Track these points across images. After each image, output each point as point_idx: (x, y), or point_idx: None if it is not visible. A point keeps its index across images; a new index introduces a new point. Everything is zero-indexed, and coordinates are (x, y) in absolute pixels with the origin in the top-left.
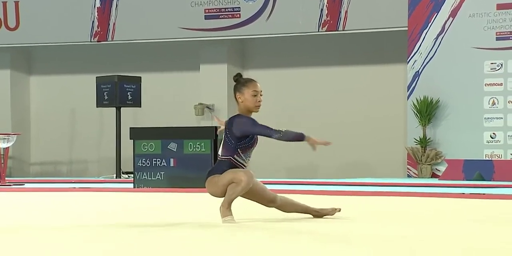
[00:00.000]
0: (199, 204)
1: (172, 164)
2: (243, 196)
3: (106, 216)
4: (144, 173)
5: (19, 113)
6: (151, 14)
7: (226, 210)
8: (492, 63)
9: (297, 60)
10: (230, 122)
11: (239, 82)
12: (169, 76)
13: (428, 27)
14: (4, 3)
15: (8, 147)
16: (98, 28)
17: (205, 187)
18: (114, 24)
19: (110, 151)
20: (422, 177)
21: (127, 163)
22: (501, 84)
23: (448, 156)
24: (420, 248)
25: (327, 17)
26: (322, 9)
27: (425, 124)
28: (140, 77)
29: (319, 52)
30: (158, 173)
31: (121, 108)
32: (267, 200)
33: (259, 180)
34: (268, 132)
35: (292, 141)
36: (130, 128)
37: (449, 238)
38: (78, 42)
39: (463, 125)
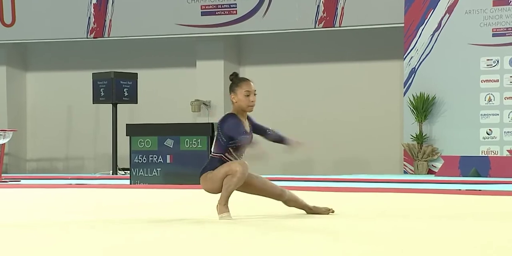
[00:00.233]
0: (196, 200)
1: (168, 161)
2: (248, 191)
3: (102, 212)
4: (141, 170)
5: (15, 109)
6: (148, 10)
7: (223, 206)
8: (488, 60)
9: (294, 56)
10: (222, 121)
11: (233, 82)
12: (165, 73)
13: (424, 24)
14: None
15: (4, 143)
16: (94, 25)
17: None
18: (110, 20)
19: (106, 148)
20: (419, 174)
21: (124, 160)
22: (497, 81)
23: (445, 153)
24: (416, 245)
25: (323, 13)
26: (318, 6)
27: (421, 121)
28: (137, 73)
29: (316, 48)
30: (154, 170)
31: (118, 104)
32: (275, 195)
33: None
34: (241, 140)
35: (247, 146)
36: (127, 124)
37: (445, 234)
38: (74, 38)
39: (459, 122)
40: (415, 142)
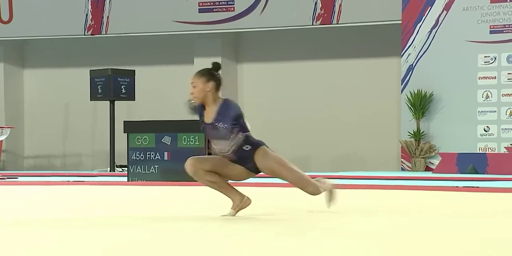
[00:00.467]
0: (193, 197)
1: (166, 158)
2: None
3: (100, 209)
4: (138, 167)
5: (13, 106)
6: (145, 7)
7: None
8: (485, 57)
9: (291, 53)
10: None
11: None
12: (163, 70)
13: (422, 21)
14: None
15: (2, 140)
16: (92, 22)
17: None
18: (108, 17)
19: (104, 145)
20: (416, 171)
21: (121, 157)
22: (495, 78)
23: (442, 150)
24: (414, 242)
25: (321, 10)
26: (316, 3)
27: (419, 118)
28: (134, 70)
29: (313, 45)
30: (152, 167)
31: (115, 101)
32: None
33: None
34: None
35: None
36: (124, 121)
37: (443, 230)
38: (72, 35)
39: (456, 119)
40: (412, 139)
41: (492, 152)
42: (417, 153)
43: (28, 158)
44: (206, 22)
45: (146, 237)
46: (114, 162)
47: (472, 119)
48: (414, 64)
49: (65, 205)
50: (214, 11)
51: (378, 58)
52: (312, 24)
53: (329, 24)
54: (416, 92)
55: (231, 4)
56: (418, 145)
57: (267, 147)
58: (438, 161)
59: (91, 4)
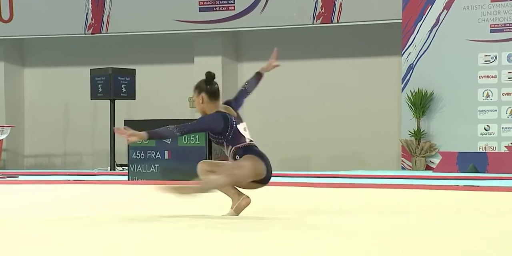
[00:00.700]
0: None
1: (166, 157)
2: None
3: (100, 209)
4: (139, 166)
5: (13, 105)
6: (145, 6)
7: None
8: (486, 55)
9: (291, 52)
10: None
11: None
12: (163, 69)
13: (422, 20)
14: None
15: (2, 139)
16: (92, 21)
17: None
18: (108, 16)
19: (104, 144)
20: (416, 170)
21: (122, 156)
22: (495, 77)
23: (442, 149)
24: (414, 241)
25: (321, 9)
26: (316, 2)
27: (419, 117)
28: (134, 69)
29: (314, 44)
30: (152, 166)
31: (115, 100)
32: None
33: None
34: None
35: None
36: (124, 120)
37: (443, 229)
38: (72, 34)
39: (457, 118)
40: (413, 138)
41: (493, 151)
42: (417, 152)
43: (28, 157)
44: (206, 21)
45: (147, 236)
46: (115, 161)
47: (472, 118)
48: (414, 63)
49: (66, 204)
50: (215, 10)
51: (378, 57)
52: (313, 23)
53: (329, 23)
54: (416, 91)
55: (231, 3)
56: (419, 144)
57: (261, 159)
58: (439, 160)
59: (91, 3)
